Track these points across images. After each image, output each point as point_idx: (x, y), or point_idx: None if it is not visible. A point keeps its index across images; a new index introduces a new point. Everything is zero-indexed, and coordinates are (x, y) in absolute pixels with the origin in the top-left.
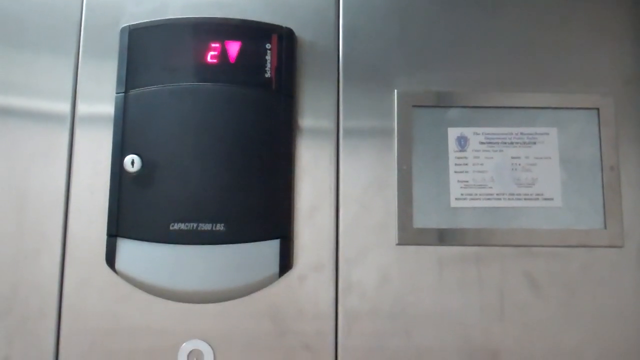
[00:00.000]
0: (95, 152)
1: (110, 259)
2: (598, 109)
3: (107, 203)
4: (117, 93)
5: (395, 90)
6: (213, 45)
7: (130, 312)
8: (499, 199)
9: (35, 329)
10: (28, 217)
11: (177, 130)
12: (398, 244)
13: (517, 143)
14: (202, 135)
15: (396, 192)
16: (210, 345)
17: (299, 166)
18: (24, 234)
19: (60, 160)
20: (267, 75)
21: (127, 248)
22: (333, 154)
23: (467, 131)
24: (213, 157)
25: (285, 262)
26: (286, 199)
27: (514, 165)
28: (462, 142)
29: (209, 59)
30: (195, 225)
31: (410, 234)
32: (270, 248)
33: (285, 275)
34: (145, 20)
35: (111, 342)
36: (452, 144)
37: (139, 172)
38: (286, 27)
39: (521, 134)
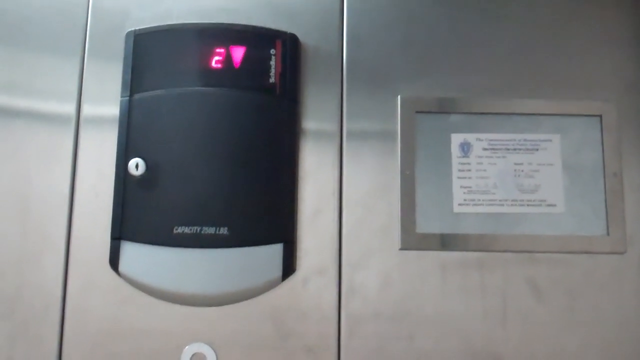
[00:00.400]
0: (100, 155)
1: (114, 262)
2: (601, 116)
3: (111, 206)
4: (122, 97)
5: (399, 96)
6: (218, 50)
7: (134, 315)
8: (502, 204)
9: (39, 330)
10: (32, 218)
11: (181, 135)
12: (401, 249)
13: (520, 149)
14: (206, 139)
15: (399, 197)
16: (213, 348)
17: (302, 170)
18: (28, 235)
19: (65, 162)
20: (272, 80)
21: (130, 251)
22: (336, 158)
23: (470, 137)
24: (217, 161)
25: (289, 266)
26: (289, 203)
27: (517, 171)
28: (465, 148)
29: (213, 64)
30: (198, 228)
31: (413, 239)
32: (273, 252)
33: (289, 278)
34: (150, 25)
35: (114, 345)
36: (455, 150)
37: (143, 176)
38: (290, 33)
39: (524, 140)
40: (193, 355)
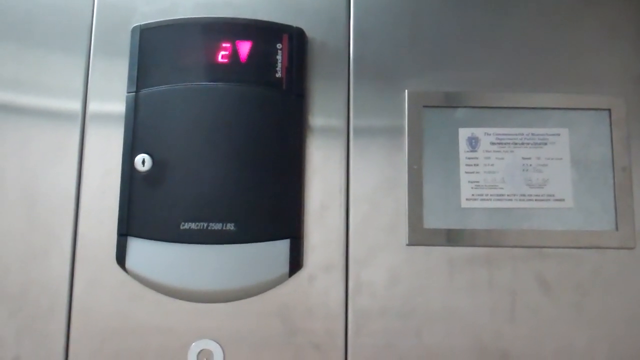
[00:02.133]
0: (106, 151)
1: (121, 258)
2: (609, 110)
3: (118, 202)
4: (128, 92)
5: (406, 90)
6: (224, 45)
7: (140, 312)
8: (510, 199)
9: (45, 328)
10: (38, 215)
11: (187, 130)
12: (408, 245)
13: (528, 144)
14: (212, 134)
15: (406, 192)
16: (220, 344)
17: (309, 166)
18: (34, 232)
19: (71, 158)
20: (278, 74)
21: (137, 247)
22: (343, 153)
23: (478, 131)
24: (223, 157)
25: (295, 262)
26: (296, 199)
27: (525, 165)
28: (473, 142)
29: (219, 58)
30: (205, 224)
31: (420, 235)
32: (280, 248)
33: (295, 275)
34: (156, 20)
35: (121, 342)
36: (462, 144)
37: (149, 172)
38: (297, 27)
39: (532, 134)
40: (200, 351)
